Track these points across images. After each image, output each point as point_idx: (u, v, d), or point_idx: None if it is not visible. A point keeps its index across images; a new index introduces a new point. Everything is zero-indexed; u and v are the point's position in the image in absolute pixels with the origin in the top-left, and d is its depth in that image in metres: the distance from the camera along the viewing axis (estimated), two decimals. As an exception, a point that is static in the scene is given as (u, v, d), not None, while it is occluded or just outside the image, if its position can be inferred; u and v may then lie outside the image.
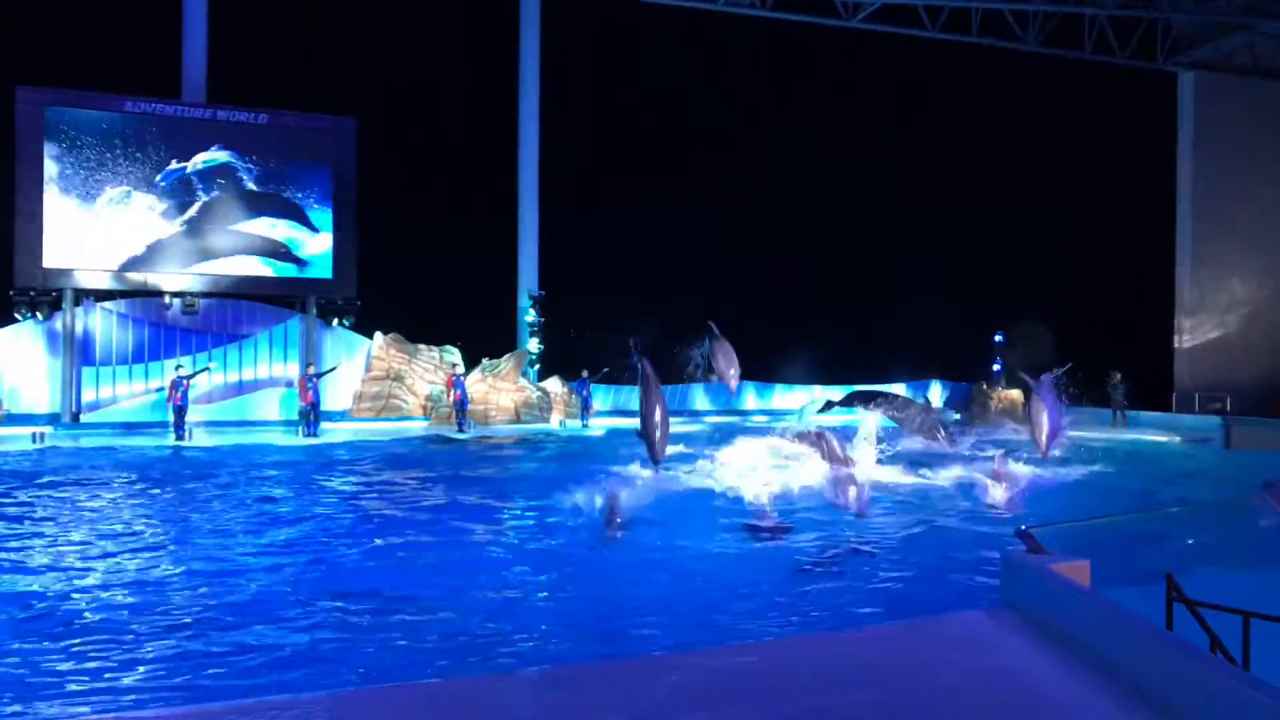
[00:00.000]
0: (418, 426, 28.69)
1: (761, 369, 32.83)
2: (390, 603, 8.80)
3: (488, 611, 8.56)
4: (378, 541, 11.73)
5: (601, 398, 32.24)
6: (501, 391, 30.21)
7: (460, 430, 27.56)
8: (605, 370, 30.96)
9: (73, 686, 6.64)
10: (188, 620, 8.20)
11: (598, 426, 29.32)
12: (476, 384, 29.85)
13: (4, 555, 10.70)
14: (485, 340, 31.36)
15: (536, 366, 32.33)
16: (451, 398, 28.67)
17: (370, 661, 7.20)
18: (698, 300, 25.78)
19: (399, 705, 4.76)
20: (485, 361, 30.63)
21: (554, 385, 31.44)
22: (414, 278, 32.33)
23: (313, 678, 6.78)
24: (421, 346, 30.68)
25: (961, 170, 37.16)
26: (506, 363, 30.67)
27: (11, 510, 13.73)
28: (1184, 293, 35.91)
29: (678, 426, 22.22)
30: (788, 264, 36.55)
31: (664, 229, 34.44)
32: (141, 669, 6.99)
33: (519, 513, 14.27)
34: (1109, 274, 35.68)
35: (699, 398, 34.67)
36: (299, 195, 29.30)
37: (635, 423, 16.00)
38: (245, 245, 28.80)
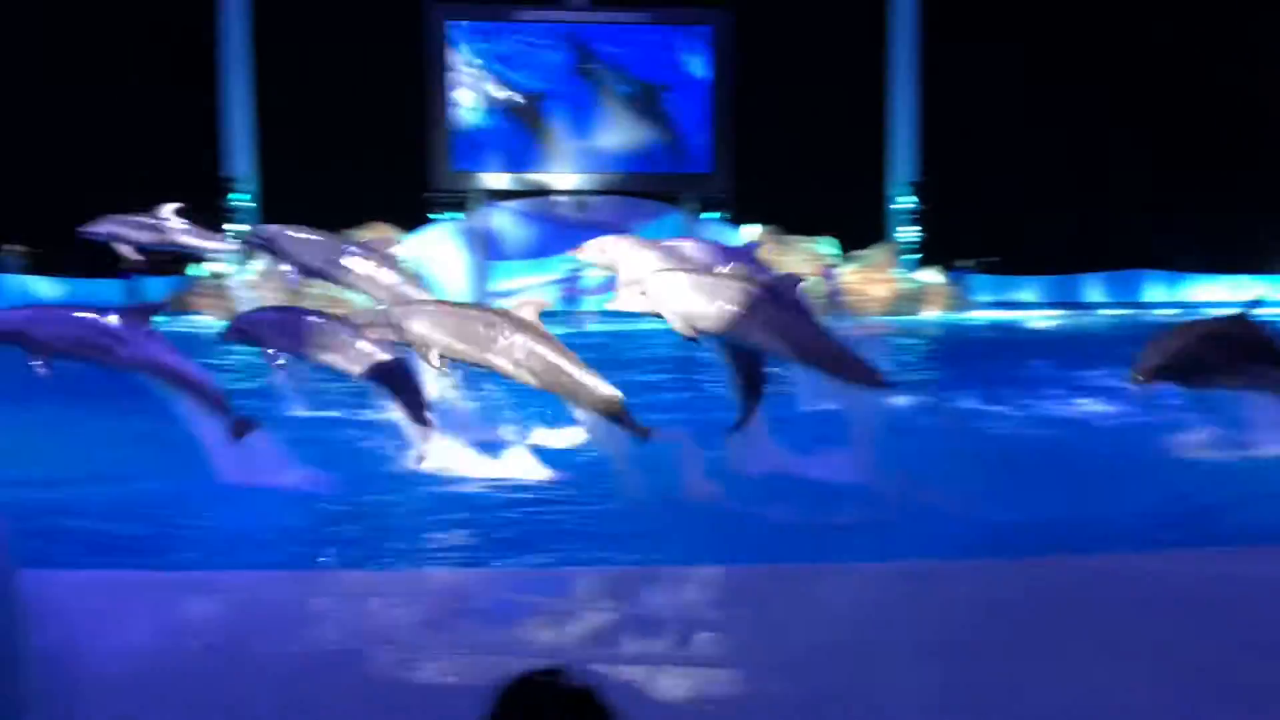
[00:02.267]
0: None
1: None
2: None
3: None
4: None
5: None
6: (874, 283, 29.82)
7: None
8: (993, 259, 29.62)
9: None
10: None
11: (982, 318, 28.26)
12: (849, 275, 29.65)
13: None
14: (856, 231, 30.97)
15: (916, 255, 31.52)
16: (826, 289, 28.68)
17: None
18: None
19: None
20: (857, 253, 30.30)
21: (931, 276, 30.54)
22: (789, 170, 32.35)
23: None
24: (795, 238, 30.86)
25: None
26: (879, 253, 30.15)
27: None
28: None
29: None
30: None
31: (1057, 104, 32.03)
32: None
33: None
34: None
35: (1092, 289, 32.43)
36: (679, 92, 30.15)
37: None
38: (629, 142, 30.18)
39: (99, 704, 4.28)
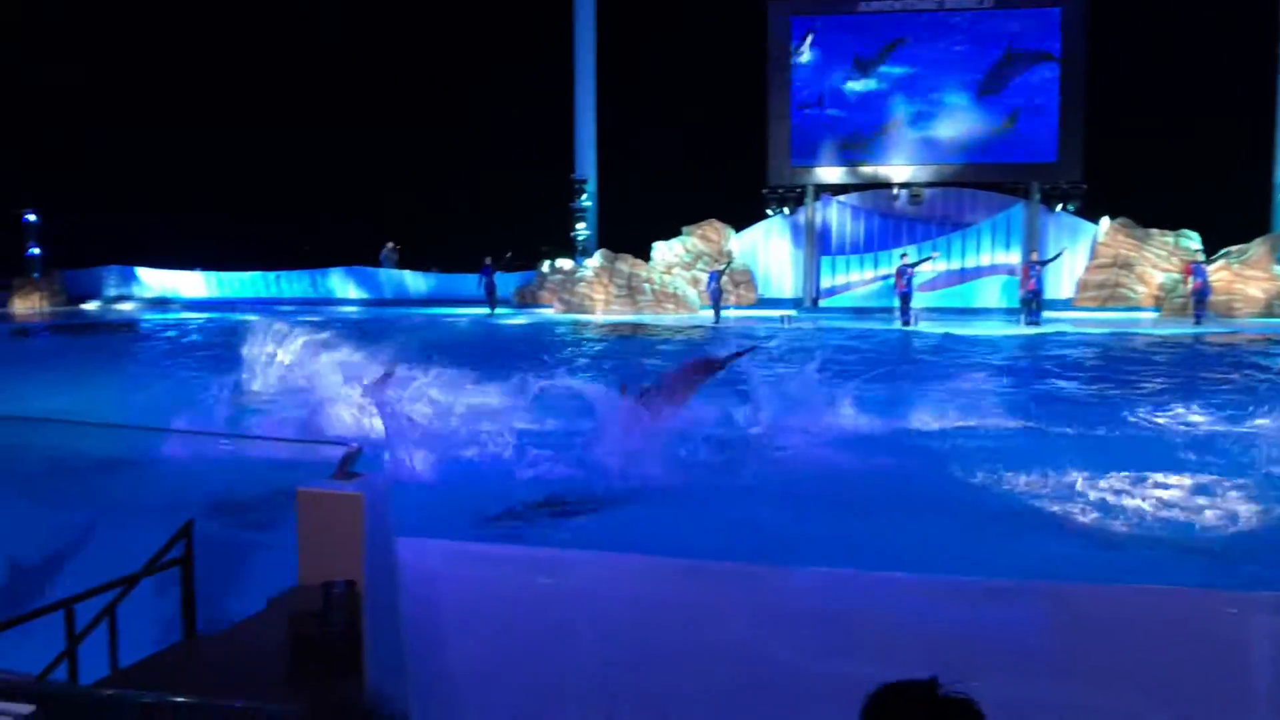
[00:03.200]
0: (1146, 318, 26.74)
1: None
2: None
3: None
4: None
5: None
6: (1249, 281, 26.78)
7: (1197, 322, 25.07)
8: None
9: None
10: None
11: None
12: (1219, 272, 26.80)
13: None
14: (1224, 225, 27.90)
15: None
16: (1190, 287, 26.13)
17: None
18: None
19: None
20: (1229, 248, 27.34)
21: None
22: (1145, 160, 29.70)
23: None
24: (1153, 231, 28.35)
25: None
26: (1257, 248, 27.03)
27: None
28: None
29: None
30: None
31: None
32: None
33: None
34: None
35: None
36: (1023, 80, 28.56)
37: None
38: (969, 133, 28.94)
39: (459, 661, 4.58)
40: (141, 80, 35.04)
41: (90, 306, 33.54)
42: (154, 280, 35.49)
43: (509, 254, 30.34)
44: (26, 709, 2.59)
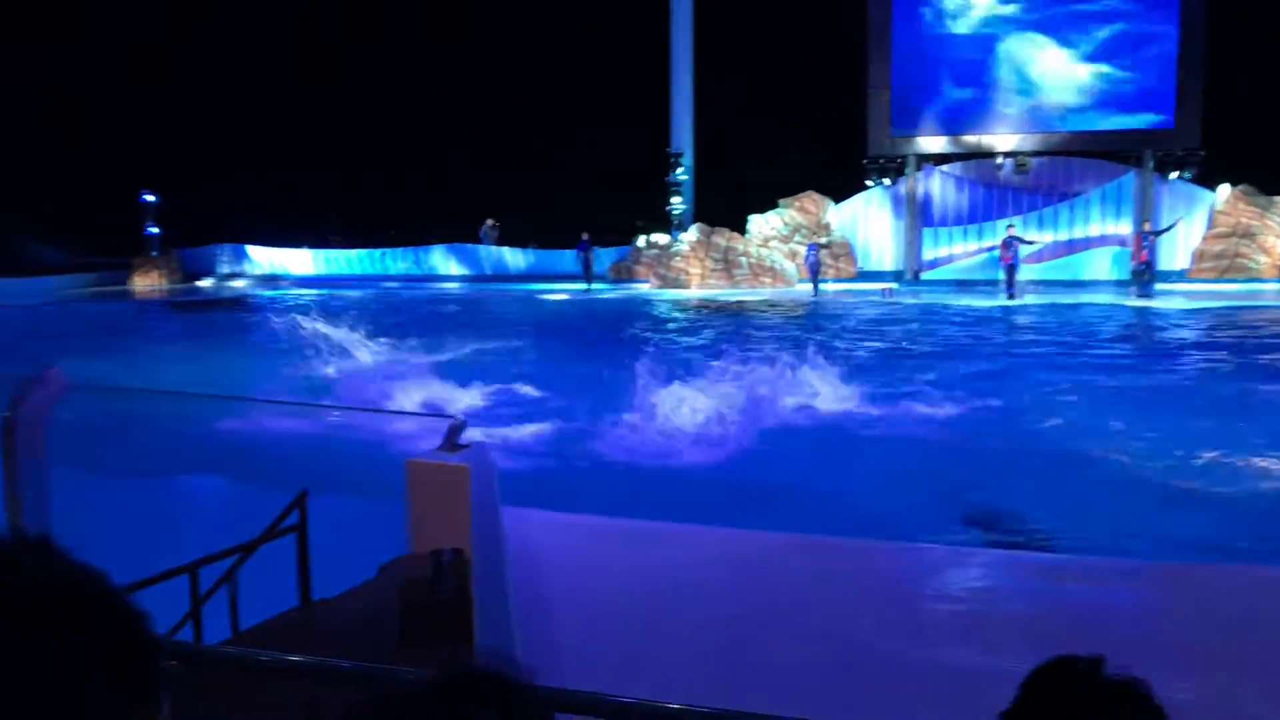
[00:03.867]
0: (1270, 289, 25.60)
1: None
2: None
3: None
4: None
5: None
6: (1382, 249, 25.43)
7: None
8: None
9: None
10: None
11: None
12: (1348, 241, 25.51)
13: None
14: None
15: None
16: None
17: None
18: None
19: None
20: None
21: None
22: (1267, 125, 28.34)
23: None
24: (1277, 199, 27.09)
25: None
26: (1391, 215, 25.64)
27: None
28: None
29: None
30: None
31: None
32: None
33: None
34: None
35: None
36: (1138, 39, 27.47)
37: None
38: (1078, 99, 28.00)
39: (563, 627, 4.66)
40: (255, 65, 36.00)
41: (205, 283, 34.74)
42: (264, 258, 36.58)
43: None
44: (171, 665, 2.72)
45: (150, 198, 34.30)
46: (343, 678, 2.95)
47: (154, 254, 34.66)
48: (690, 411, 10.47)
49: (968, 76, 28.62)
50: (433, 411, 9.78)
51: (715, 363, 12.23)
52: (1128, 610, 4.91)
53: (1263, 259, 26.70)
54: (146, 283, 34.03)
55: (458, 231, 34.94)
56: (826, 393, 11.67)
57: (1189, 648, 4.41)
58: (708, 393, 10.93)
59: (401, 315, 20.09)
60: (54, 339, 18.15)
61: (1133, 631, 4.50)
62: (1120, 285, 26.64)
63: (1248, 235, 26.88)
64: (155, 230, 34.62)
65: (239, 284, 34.69)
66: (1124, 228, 27.86)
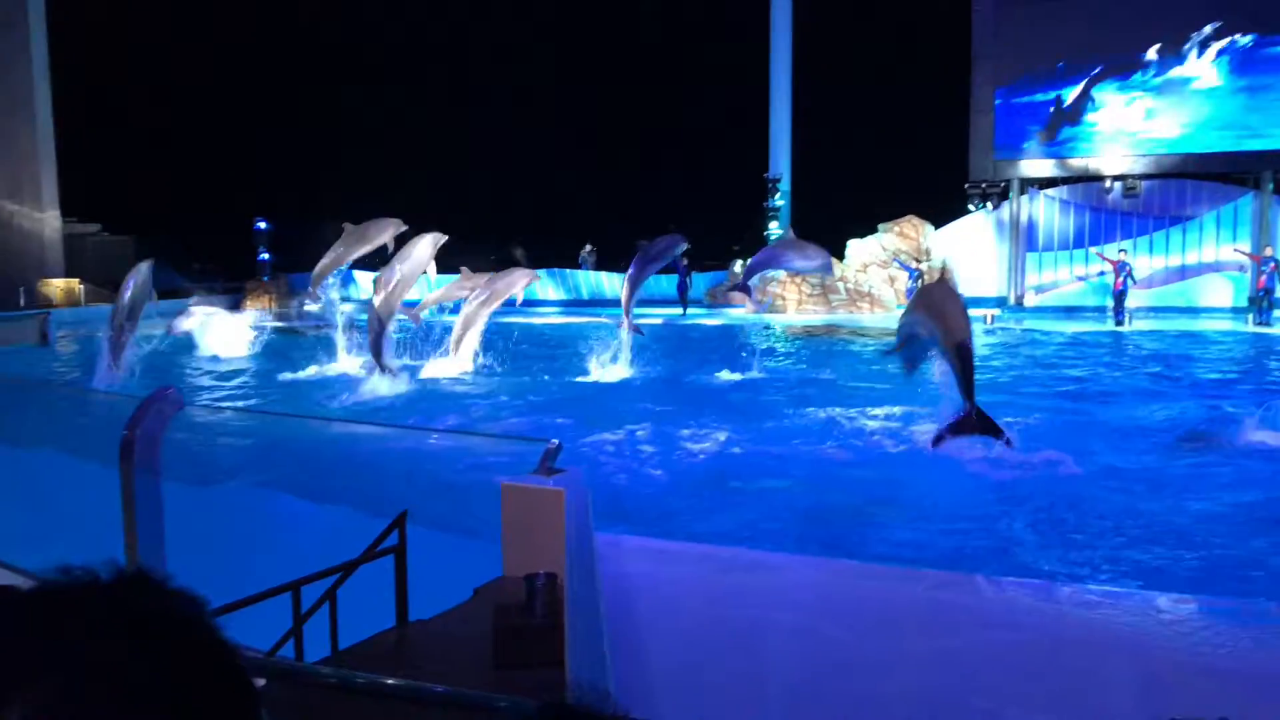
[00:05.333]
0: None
1: None
2: None
3: None
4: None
5: None
6: None
7: None
8: None
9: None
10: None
11: None
12: None
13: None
14: None
15: None
16: None
17: None
18: None
19: None
20: None
21: None
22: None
23: None
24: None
25: None
26: None
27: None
28: None
29: None
30: None
31: None
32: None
33: None
34: None
35: None
36: (1251, 57, 26.52)
37: None
38: (1189, 119, 27.11)
39: (656, 656, 4.64)
40: (354, 93, 37.13)
41: (312, 308, 35.79)
42: (367, 282, 37.55)
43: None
44: (258, 682, 2.78)
45: (262, 225, 35.51)
46: (436, 701, 2.98)
47: (265, 279, 35.85)
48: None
49: (1077, 97, 27.97)
50: (528, 435, 9.87)
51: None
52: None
53: (1393, 285, 25.38)
54: (258, 306, 35.21)
55: (556, 256, 35.40)
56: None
57: None
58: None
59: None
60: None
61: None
62: (1238, 311, 25.62)
63: (1376, 260, 25.59)
64: (267, 256, 35.81)
65: (345, 308, 35.65)
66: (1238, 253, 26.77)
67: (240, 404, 14.59)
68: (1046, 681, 4.44)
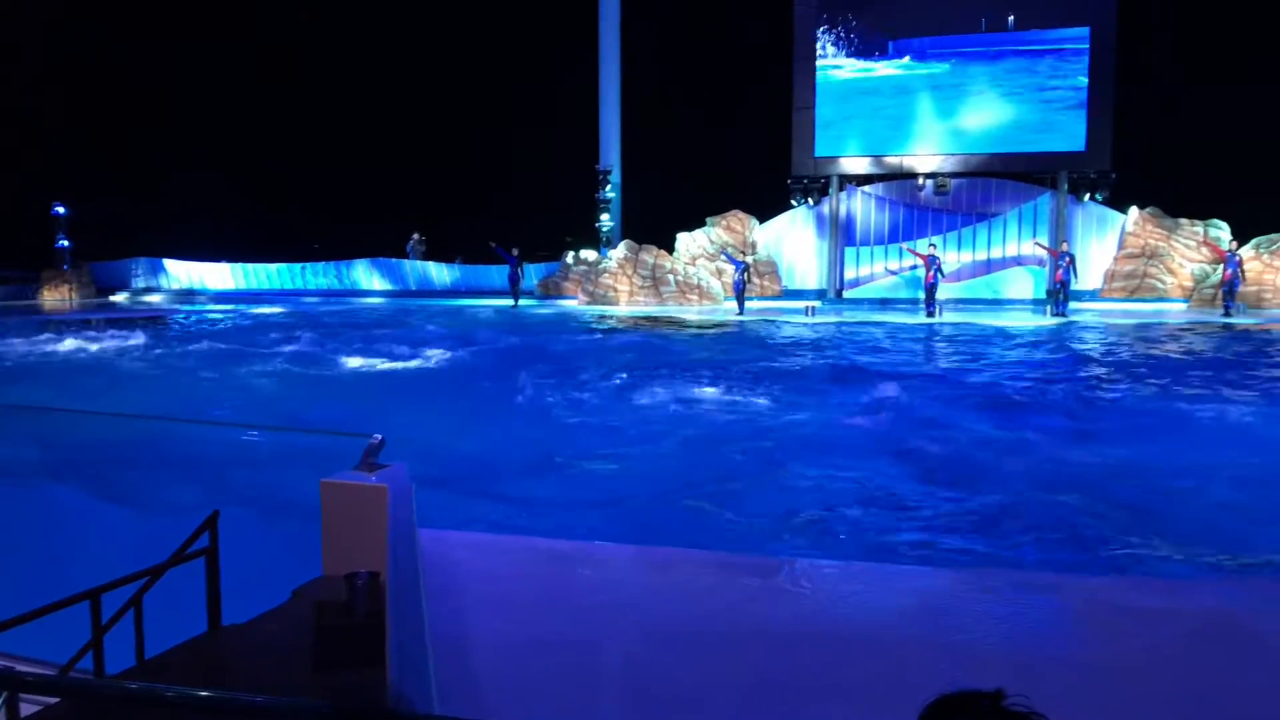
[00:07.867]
0: (1175, 309, 26.46)
1: None
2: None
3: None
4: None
5: None
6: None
7: (1226, 314, 24.74)
8: None
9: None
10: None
11: None
12: (1250, 263, 26.47)
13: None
14: (1255, 214, 27.45)
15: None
16: (1221, 277, 25.81)
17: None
18: None
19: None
20: (1260, 238, 26.97)
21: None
22: (1174, 148, 29.30)
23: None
24: (1182, 221, 28.01)
25: None
26: (1291, 238, 26.65)
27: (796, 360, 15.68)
28: None
29: None
30: None
31: None
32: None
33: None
34: None
35: None
36: (1051, 66, 28.27)
37: None
38: (994, 121, 28.69)
39: (481, 651, 4.59)
40: (173, 75, 35.28)
41: (119, 298, 33.84)
42: (181, 272, 35.77)
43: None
44: (49, 700, 2.61)
45: (61, 210, 33.34)
46: (249, 711, 2.86)
47: (64, 267, 33.67)
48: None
49: (889, 99, 29.17)
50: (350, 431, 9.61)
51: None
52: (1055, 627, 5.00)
53: (1169, 279, 27.56)
54: (56, 296, 33.03)
55: (382, 246, 34.59)
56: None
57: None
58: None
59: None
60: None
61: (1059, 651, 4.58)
62: (1038, 303, 27.32)
63: (1155, 256, 27.73)
64: (66, 243, 33.65)
65: (154, 299, 33.84)
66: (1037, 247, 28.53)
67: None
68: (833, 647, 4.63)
